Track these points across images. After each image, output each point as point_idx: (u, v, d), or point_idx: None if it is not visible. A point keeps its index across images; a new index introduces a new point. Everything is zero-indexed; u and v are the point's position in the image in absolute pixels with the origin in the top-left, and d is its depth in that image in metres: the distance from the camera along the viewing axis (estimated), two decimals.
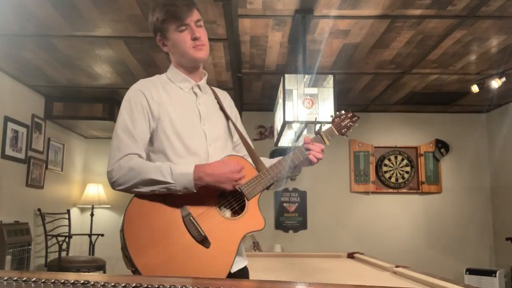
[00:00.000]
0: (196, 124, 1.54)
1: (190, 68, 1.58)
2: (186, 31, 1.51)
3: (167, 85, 1.58)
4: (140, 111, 1.49)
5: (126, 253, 1.37)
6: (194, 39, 1.50)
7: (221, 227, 1.45)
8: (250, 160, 1.60)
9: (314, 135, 1.68)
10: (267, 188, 1.57)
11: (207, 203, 1.46)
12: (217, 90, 1.73)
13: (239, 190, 1.48)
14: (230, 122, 1.66)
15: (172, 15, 1.50)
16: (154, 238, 1.40)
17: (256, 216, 1.51)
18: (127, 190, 1.44)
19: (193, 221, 1.42)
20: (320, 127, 1.68)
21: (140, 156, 1.48)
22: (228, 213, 1.49)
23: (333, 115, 1.74)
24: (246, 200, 1.50)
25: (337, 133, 1.69)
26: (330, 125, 1.70)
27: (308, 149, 1.58)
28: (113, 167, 1.43)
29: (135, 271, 1.36)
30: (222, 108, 1.66)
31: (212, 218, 1.45)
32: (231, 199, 1.51)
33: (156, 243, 1.40)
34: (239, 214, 1.49)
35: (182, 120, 1.52)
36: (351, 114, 1.73)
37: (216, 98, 1.67)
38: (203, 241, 1.41)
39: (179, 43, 1.52)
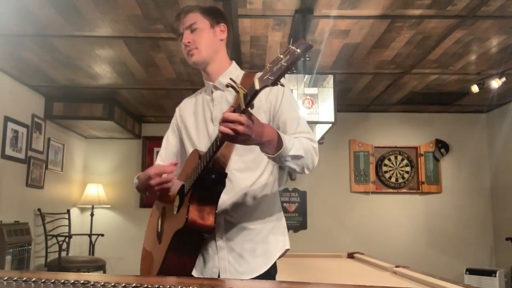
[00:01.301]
0: (209, 127, 1.50)
1: (203, 71, 1.56)
2: (182, 40, 1.51)
3: (199, 94, 1.62)
4: (171, 128, 1.68)
5: None
6: (185, 46, 1.50)
7: (167, 224, 1.45)
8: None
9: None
10: (215, 182, 1.30)
11: (175, 199, 1.46)
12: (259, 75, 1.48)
13: (183, 183, 1.38)
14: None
15: (171, 29, 1.59)
16: (147, 233, 1.64)
17: (182, 214, 1.31)
18: None
19: (159, 217, 1.53)
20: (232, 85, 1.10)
21: None
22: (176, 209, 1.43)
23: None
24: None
25: (258, 86, 1.05)
26: None
27: None
28: None
29: None
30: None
31: (169, 214, 1.45)
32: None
33: (146, 238, 1.64)
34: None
35: (196, 125, 1.54)
36: (295, 45, 1.03)
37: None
38: (159, 237, 1.48)
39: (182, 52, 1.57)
